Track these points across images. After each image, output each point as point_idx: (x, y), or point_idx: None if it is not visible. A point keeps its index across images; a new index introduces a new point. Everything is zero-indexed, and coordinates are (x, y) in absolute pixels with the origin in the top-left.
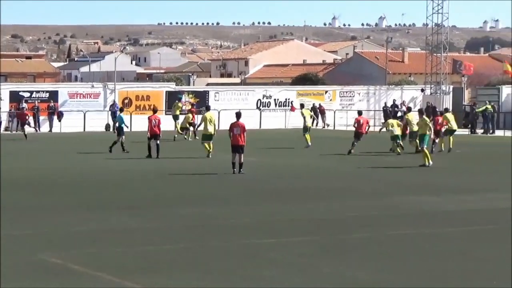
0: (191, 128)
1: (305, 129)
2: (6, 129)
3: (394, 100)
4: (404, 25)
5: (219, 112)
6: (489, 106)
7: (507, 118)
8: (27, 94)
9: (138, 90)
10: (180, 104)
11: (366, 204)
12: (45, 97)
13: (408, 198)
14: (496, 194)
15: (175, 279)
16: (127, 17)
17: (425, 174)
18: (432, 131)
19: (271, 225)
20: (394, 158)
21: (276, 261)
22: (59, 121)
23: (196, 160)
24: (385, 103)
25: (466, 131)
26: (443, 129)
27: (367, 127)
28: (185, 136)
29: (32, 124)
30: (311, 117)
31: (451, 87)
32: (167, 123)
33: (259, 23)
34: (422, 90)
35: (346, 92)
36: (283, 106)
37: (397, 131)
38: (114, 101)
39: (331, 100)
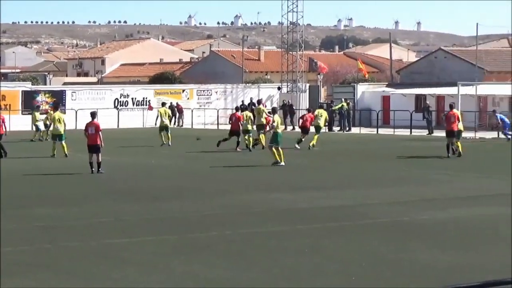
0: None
1: (162, 128)
2: None
3: (251, 98)
4: (260, 23)
5: (76, 112)
6: (345, 104)
7: (362, 116)
8: None
9: None
10: (37, 114)
11: (219, 203)
12: None
13: (261, 196)
14: (343, 191)
15: (30, 279)
16: None
17: (279, 172)
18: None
19: (124, 225)
20: (248, 157)
21: (129, 261)
22: None
23: (52, 160)
24: (242, 101)
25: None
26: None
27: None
28: (41, 137)
29: None
30: (168, 116)
31: (307, 85)
32: (22, 123)
33: (115, 21)
34: (279, 88)
35: (203, 90)
36: (141, 105)
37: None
38: None
39: (188, 98)
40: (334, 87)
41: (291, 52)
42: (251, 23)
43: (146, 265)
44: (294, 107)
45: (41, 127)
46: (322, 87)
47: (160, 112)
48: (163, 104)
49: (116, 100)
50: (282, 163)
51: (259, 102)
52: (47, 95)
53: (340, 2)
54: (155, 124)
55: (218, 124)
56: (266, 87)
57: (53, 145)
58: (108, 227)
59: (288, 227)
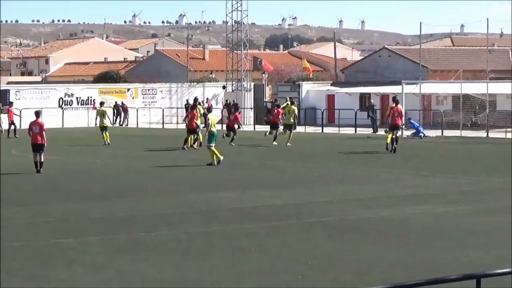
0: None
1: (103, 127)
2: None
3: (196, 98)
4: (204, 22)
5: (20, 111)
6: (289, 103)
7: (307, 114)
8: None
9: None
10: None
11: (165, 202)
12: None
13: (208, 195)
14: (289, 190)
15: None
16: None
17: (226, 172)
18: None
19: (69, 225)
20: (195, 156)
21: (76, 261)
22: None
23: None
24: (187, 100)
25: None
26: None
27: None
28: None
29: None
30: (103, 115)
31: (252, 84)
32: None
33: (58, 20)
34: (224, 87)
35: (149, 89)
36: (86, 105)
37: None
38: None
39: (133, 98)
40: (279, 85)
41: (235, 51)
42: (196, 22)
43: (93, 265)
44: (239, 106)
45: None
46: (267, 86)
47: (99, 112)
48: (101, 103)
49: (61, 99)
50: (215, 163)
51: (195, 101)
52: None
53: (285, 1)
54: (95, 124)
55: (163, 123)
56: (211, 86)
57: None
58: (54, 227)
59: (235, 226)
